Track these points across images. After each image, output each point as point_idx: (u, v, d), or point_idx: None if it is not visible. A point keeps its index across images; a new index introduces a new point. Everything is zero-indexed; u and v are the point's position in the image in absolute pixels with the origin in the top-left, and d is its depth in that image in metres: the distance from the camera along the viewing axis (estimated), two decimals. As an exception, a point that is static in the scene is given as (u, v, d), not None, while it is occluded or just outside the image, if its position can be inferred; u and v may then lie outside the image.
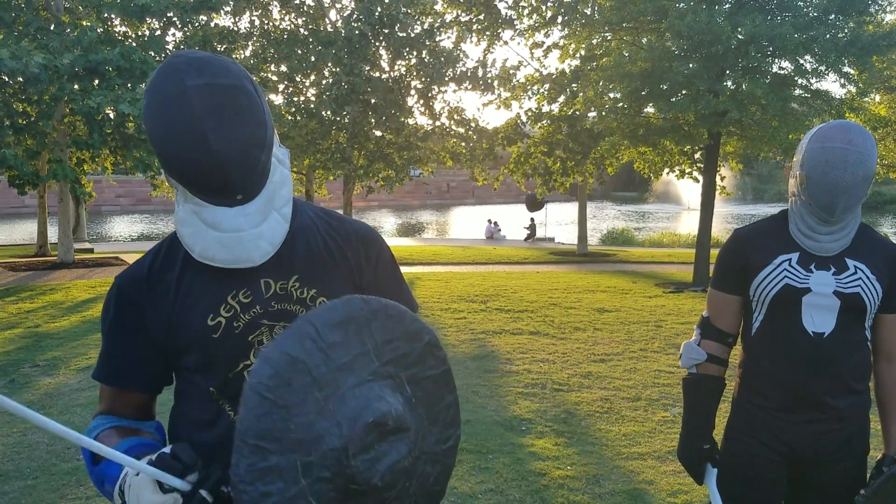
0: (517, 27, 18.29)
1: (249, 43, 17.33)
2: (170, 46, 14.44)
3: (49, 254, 17.19)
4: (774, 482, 2.19)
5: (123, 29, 15.49)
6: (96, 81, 12.46)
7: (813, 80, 12.93)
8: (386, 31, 16.53)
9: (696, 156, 15.23)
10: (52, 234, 18.41)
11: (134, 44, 13.46)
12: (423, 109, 18.18)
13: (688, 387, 2.31)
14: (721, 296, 2.27)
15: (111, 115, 12.60)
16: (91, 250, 19.31)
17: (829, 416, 2.11)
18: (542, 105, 18.67)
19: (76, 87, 12.42)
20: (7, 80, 12.40)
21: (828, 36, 12.08)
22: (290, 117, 16.60)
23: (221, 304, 1.41)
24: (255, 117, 1.33)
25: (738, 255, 2.21)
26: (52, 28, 12.80)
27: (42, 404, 5.56)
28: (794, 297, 2.09)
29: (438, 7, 18.35)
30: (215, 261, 1.36)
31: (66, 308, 9.83)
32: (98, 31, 12.92)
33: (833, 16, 12.52)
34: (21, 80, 11.89)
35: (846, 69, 12.74)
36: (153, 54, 13.32)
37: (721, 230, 24.53)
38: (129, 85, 12.40)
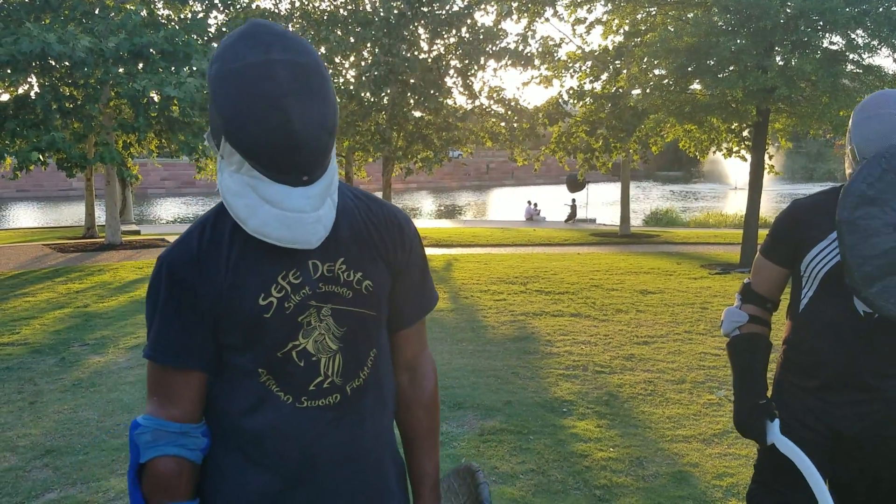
0: (559, 3, 18.00)
1: (289, 24, 17.40)
2: (212, 29, 14.56)
3: (97, 235, 17.58)
4: (817, 464, 2.14)
5: (167, 12, 15.67)
6: (141, 65, 12.62)
7: (865, 55, 12.47)
8: (424, 9, 16.42)
9: (744, 133, 14.87)
10: (100, 216, 18.80)
11: (177, 27, 13.60)
12: (461, 89, 18.07)
13: (734, 347, 2.26)
14: (769, 265, 2.24)
15: (156, 99, 12.78)
16: (137, 232, 19.71)
17: (874, 396, 2.06)
18: (585, 83, 18.40)
19: (121, 70, 12.62)
20: (54, 64, 12.63)
21: (881, 9, 11.64)
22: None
23: (272, 284, 1.38)
24: (329, 101, 1.32)
25: (794, 227, 2.16)
26: (97, 12, 12.99)
27: (91, 382, 5.68)
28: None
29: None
30: (271, 238, 1.32)
31: (114, 288, 10.04)
32: (142, 14, 13.09)
33: (887, -13, 12.07)
34: (67, 63, 12.11)
35: (900, 43, 12.28)
36: (196, 37, 13.45)
37: (769, 210, 24.03)
38: (174, 68, 12.54)
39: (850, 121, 2.04)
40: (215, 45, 14.77)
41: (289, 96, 1.25)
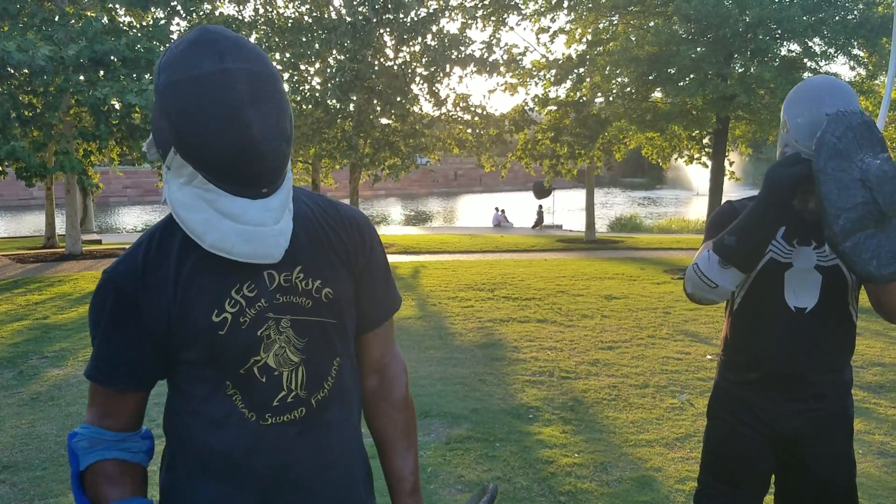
0: (523, 11, 18.14)
1: (253, 31, 17.28)
2: (174, 36, 14.40)
3: (57, 245, 17.26)
4: (758, 460, 2.19)
5: (128, 19, 15.47)
6: (102, 72, 12.45)
7: (822, 63, 12.82)
8: (390, 16, 16.43)
9: (705, 141, 15.12)
10: (60, 225, 18.47)
11: (139, 34, 13.43)
12: (428, 96, 18.09)
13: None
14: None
15: (117, 106, 12.60)
16: (99, 241, 19.38)
17: (809, 393, 2.10)
18: (549, 91, 18.56)
19: (82, 78, 12.42)
20: (13, 72, 12.40)
21: (837, 18, 11.95)
22: (295, 106, 16.56)
23: (226, 300, 1.33)
24: (284, 109, 1.26)
25: (728, 221, 2.17)
26: (56, 19, 12.78)
27: (50, 395, 5.57)
28: (778, 271, 2.09)
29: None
30: (232, 254, 1.27)
31: (74, 299, 9.86)
32: (103, 21, 12.90)
33: (842, -3, 12.39)
34: (27, 71, 11.90)
35: (856, 51, 12.62)
36: (158, 44, 13.30)
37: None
38: (135, 75, 12.38)
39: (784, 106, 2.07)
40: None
41: (248, 106, 1.19)
